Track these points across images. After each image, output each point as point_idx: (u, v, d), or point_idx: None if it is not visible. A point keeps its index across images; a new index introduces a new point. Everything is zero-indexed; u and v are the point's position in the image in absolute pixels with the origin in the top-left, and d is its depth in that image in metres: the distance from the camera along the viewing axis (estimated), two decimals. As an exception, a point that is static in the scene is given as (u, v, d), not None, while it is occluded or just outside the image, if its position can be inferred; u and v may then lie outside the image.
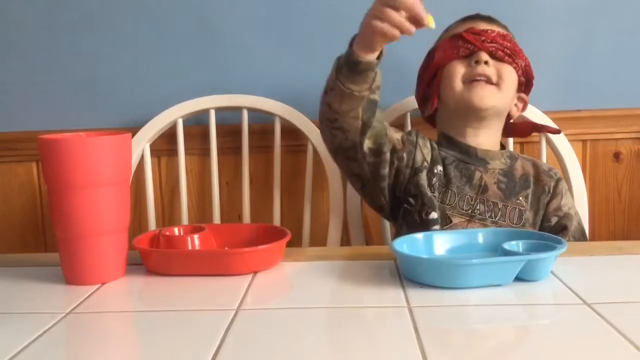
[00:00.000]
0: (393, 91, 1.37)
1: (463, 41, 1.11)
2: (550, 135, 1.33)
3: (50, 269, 0.84)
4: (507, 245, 0.78)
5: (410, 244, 0.81)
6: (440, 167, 1.11)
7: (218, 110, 1.43)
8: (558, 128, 1.29)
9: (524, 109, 1.20)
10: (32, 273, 0.84)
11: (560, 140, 1.34)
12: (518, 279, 0.73)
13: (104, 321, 0.68)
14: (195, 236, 0.88)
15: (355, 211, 1.37)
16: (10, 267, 0.87)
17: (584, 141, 1.45)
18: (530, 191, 1.11)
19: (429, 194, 1.07)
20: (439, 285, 0.73)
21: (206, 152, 1.45)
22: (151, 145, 1.44)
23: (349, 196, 1.38)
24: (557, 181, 1.14)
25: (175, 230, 0.91)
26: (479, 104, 1.09)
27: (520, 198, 1.10)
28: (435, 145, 1.14)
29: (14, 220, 1.53)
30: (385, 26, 0.94)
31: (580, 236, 1.12)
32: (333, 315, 0.67)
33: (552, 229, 1.09)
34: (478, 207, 1.08)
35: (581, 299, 0.68)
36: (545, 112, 1.35)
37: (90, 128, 1.44)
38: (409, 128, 1.38)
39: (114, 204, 0.80)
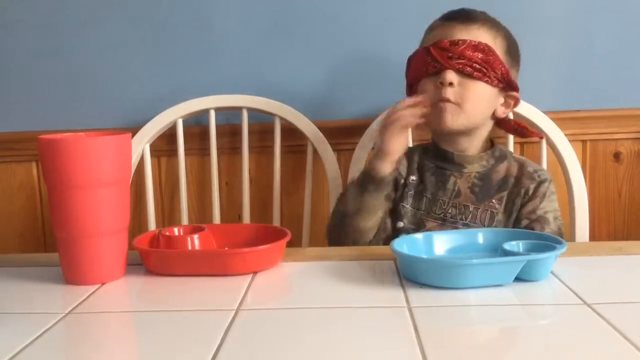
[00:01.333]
0: (391, 90, 1.37)
1: (430, 57, 1.08)
2: (551, 135, 1.33)
3: (50, 269, 0.84)
4: (507, 246, 0.78)
5: (410, 244, 0.81)
6: (413, 177, 1.14)
7: (218, 110, 1.43)
8: (541, 135, 1.28)
9: (515, 105, 1.16)
10: (32, 273, 0.84)
11: (560, 140, 1.34)
12: (518, 279, 0.73)
13: (103, 321, 0.68)
14: (195, 236, 0.88)
15: (355, 211, 1.37)
16: (10, 267, 0.87)
17: (584, 141, 1.45)
18: (506, 193, 1.11)
19: (400, 204, 1.12)
20: (439, 285, 0.72)
21: (206, 152, 1.45)
22: (151, 146, 1.44)
23: (349, 196, 1.37)
24: (540, 183, 1.11)
25: (175, 230, 0.91)
26: (444, 128, 1.09)
27: (494, 200, 1.10)
28: (411, 156, 1.17)
29: (14, 220, 1.53)
30: (402, 121, 1.06)
31: None
32: (333, 315, 0.67)
33: None
34: (450, 211, 1.10)
35: (581, 299, 0.68)
36: (545, 112, 1.35)
37: (90, 128, 1.44)
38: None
39: (114, 204, 0.80)
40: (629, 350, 0.55)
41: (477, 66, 1.06)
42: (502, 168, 1.13)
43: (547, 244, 0.78)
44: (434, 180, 1.13)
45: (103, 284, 0.79)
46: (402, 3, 1.43)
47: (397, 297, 0.70)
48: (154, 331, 0.64)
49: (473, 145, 1.14)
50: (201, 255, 0.84)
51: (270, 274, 0.81)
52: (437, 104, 1.08)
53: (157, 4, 1.46)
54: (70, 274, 0.80)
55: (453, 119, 1.08)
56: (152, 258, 0.83)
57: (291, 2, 1.44)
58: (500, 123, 1.18)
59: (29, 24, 1.47)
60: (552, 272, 0.76)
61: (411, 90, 1.15)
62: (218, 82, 1.46)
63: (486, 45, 1.07)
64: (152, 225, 1.42)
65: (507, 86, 1.11)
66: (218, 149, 1.43)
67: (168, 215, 1.51)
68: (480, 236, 0.85)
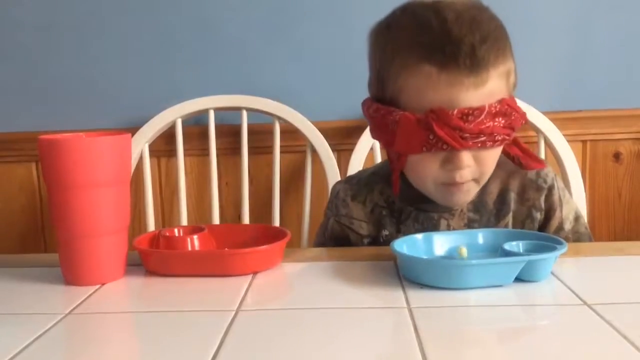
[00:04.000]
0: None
1: (434, 135, 0.79)
2: (550, 136, 1.33)
3: (50, 270, 0.84)
4: (507, 246, 0.78)
5: (410, 244, 0.81)
6: (385, 232, 0.95)
7: (217, 110, 1.43)
8: (545, 164, 1.15)
9: None
10: (32, 273, 0.84)
11: (559, 141, 1.34)
12: (518, 279, 0.73)
13: (103, 322, 0.68)
14: (195, 237, 0.88)
15: (355, 211, 1.37)
16: (10, 267, 0.87)
17: (583, 141, 1.45)
18: (510, 217, 0.94)
19: None
20: (439, 285, 0.72)
21: (205, 152, 1.45)
22: (150, 146, 1.44)
23: (349, 196, 1.37)
24: (549, 190, 0.95)
25: (175, 230, 0.91)
26: (453, 205, 0.92)
27: None
28: (369, 201, 0.97)
29: (13, 220, 1.53)
30: None
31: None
32: (333, 315, 0.67)
33: None
34: None
35: (581, 299, 0.68)
36: (545, 112, 1.35)
37: (90, 128, 1.44)
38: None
39: (113, 204, 0.80)
40: (629, 351, 0.55)
41: (500, 137, 0.81)
42: (493, 187, 0.94)
43: (547, 244, 0.78)
44: (421, 227, 0.93)
45: (103, 284, 0.79)
46: (402, 3, 1.43)
47: (397, 297, 0.70)
48: (154, 331, 0.64)
49: None
50: (201, 256, 0.84)
51: (270, 275, 0.81)
52: (448, 186, 0.87)
53: (158, 4, 1.46)
54: (70, 274, 0.79)
55: (467, 197, 0.90)
56: (152, 258, 0.83)
57: (291, 2, 1.44)
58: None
59: (29, 24, 1.47)
60: (552, 273, 0.76)
61: (399, 157, 0.88)
62: (218, 82, 1.47)
63: (507, 102, 0.81)
64: (151, 225, 1.42)
65: None
66: (217, 149, 1.43)
67: (168, 215, 1.52)
68: (480, 236, 0.84)
